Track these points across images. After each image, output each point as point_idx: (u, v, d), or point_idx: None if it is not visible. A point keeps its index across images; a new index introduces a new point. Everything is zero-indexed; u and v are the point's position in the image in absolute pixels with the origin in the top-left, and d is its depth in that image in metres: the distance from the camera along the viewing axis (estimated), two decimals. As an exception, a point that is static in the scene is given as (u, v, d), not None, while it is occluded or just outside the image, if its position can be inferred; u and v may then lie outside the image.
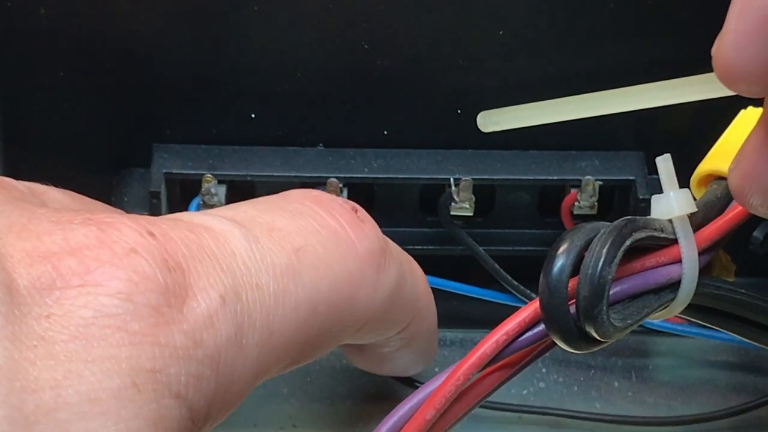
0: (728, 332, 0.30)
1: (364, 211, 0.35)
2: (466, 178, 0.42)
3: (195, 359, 0.28)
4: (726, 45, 0.23)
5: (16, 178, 0.44)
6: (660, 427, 0.43)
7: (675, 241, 0.27)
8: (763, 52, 0.22)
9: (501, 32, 0.41)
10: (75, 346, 0.26)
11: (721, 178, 0.29)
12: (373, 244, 0.34)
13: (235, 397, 0.29)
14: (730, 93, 0.24)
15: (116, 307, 0.26)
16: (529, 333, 0.27)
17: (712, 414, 0.43)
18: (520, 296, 0.43)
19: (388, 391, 0.41)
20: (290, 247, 0.31)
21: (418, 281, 0.37)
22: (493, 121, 0.29)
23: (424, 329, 0.39)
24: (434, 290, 0.43)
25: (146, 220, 0.29)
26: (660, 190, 0.28)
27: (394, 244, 0.36)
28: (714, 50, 0.23)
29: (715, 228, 0.28)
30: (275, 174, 0.43)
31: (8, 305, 0.25)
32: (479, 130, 0.30)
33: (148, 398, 0.26)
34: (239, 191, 0.44)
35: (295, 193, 0.34)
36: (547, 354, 0.28)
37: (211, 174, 0.42)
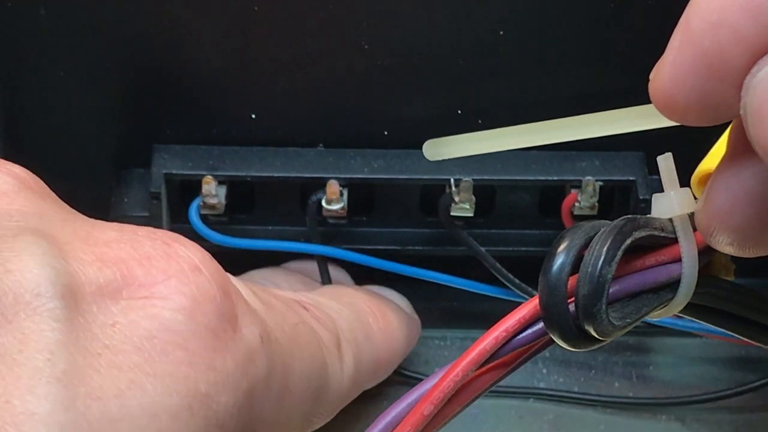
0: (728, 331, 0.30)
1: (314, 308, 0.36)
2: (467, 179, 0.42)
3: (241, 390, 0.28)
4: (662, 75, 0.23)
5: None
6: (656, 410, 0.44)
7: (675, 240, 0.27)
8: (697, 86, 0.23)
9: (501, 32, 0.41)
10: (137, 358, 0.26)
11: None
12: (331, 336, 0.35)
13: None
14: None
15: (179, 323, 0.27)
16: (528, 331, 0.27)
17: (707, 396, 0.43)
18: (522, 294, 0.43)
19: (388, 389, 0.41)
20: (289, 321, 0.32)
21: (373, 340, 0.39)
22: (439, 152, 0.30)
23: (395, 358, 0.40)
24: (436, 287, 0.44)
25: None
26: (660, 190, 0.28)
27: (348, 313, 0.38)
28: (652, 75, 0.24)
29: (715, 227, 0.28)
30: (275, 174, 0.43)
31: (74, 311, 0.25)
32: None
33: (199, 425, 0.26)
34: (239, 192, 0.44)
35: None
36: (547, 354, 0.28)
37: (212, 174, 0.42)
